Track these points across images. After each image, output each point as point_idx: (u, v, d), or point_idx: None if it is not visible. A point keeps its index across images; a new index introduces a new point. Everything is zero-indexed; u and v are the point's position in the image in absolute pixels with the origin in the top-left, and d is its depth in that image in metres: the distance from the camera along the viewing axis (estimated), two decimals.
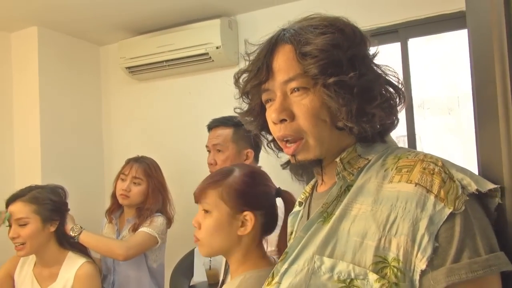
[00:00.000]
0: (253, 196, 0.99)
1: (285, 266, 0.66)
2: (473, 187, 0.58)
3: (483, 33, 0.63)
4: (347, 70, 0.64)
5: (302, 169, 0.73)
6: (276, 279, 0.67)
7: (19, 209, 1.48)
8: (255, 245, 1.00)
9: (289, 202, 1.04)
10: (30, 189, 1.55)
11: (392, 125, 0.72)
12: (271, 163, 0.98)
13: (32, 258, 1.58)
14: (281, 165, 0.81)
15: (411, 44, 2.06)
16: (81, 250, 1.58)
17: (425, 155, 0.64)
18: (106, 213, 1.94)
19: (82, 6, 2.18)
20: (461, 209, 0.56)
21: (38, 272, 1.55)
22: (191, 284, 2.06)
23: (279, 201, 1.05)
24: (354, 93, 0.64)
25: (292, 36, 0.68)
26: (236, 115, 0.84)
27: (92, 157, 2.74)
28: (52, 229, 1.53)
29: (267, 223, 1.01)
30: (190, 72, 2.49)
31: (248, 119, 0.81)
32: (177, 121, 2.60)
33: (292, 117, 0.68)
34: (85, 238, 1.57)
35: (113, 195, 1.91)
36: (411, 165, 0.62)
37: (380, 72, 0.69)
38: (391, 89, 0.69)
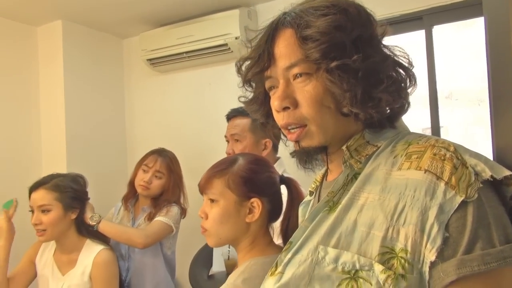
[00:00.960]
0: (259, 183, 0.98)
1: (289, 256, 0.65)
2: (487, 174, 0.54)
3: (500, 21, 0.60)
4: (351, 53, 0.61)
5: (306, 156, 0.70)
6: (279, 269, 0.65)
7: (42, 196, 1.52)
8: (263, 233, 1.00)
9: (293, 189, 1.03)
10: (52, 177, 1.58)
11: (402, 109, 0.68)
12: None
13: (52, 244, 1.63)
14: (290, 154, 0.80)
15: (438, 32, 1.98)
16: (99, 237, 1.61)
17: (437, 140, 0.60)
18: (123, 199, 1.98)
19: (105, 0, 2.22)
20: (473, 197, 0.53)
21: (58, 258, 1.59)
22: (210, 273, 2.08)
23: (283, 189, 1.05)
24: (358, 77, 0.61)
25: (292, 20, 0.65)
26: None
27: (115, 147, 2.80)
28: (73, 216, 1.57)
29: (273, 210, 1.01)
30: (210, 63, 2.49)
31: (253, 107, 0.79)
32: (197, 112, 2.61)
33: (295, 104, 0.66)
34: (104, 227, 1.61)
35: (131, 183, 1.94)
36: (421, 151, 0.59)
37: (389, 53, 0.66)
38: (401, 71, 0.66)
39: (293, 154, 0.78)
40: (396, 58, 0.66)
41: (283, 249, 0.68)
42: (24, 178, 1.59)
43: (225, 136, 1.72)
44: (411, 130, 0.70)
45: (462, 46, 2.20)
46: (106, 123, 2.75)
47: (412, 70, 0.66)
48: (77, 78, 2.54)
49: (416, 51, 2.09)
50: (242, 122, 1.65)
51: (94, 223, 1.59)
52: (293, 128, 0.67)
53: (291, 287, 0.61)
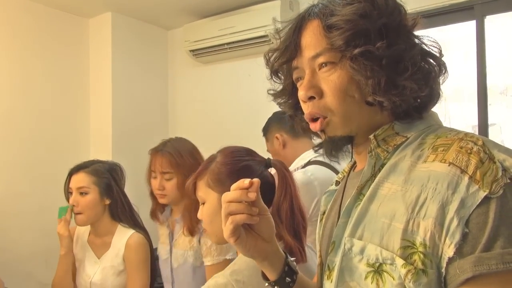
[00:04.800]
0: (235, 174, 0.96)
1: (337, 258, 0.64)
2: None
3: None
4: (376, 41, 0.60)
5: (333, 147, 0.69)
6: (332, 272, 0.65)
7: (81, 178, 1.59)
8: None
9: (280, 170, 1.01)
10: (92, 162, 1.66)
11: (431, 99, 0.66)
12: None
13: (85, 229, 1.70)
14: (313, 148, 0.79)
15: (490, 23, 1.86)
16: (131, 223, 1.67)
17: (466, 133, 0.57)
18: (150, 214, 1.68)
19: None
20: (498, 193, 0.50)
21: (92, 242, 1.67)
22: None
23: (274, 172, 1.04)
24: (382, 64, 0.60)
25: (319, 10, 0.65)
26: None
27: (158, 135, 2.88)
28: (108, 202, 1.63)
29: (262, 196, 1.00)
30: (250, 54, 2.51)
31: (281, 99, 0.79)
32: (237, 103, 2.65)
33: (321, 94, 0.65)
34: None
35: (151, 194, 1.64)
36: (448, 143, 0.57)
37: (418, 42, 0.63)
38: (431, 61, 0.63)
39: (316, 148, 0.78)
40: (426, 48, 0.63)
41: (329, 250, 0.67)
42: (74, 163, 1.67)
43: None
44: (458, 127, 0.67)
45: None
46: (150, 111, 2.86)
47: (442, 59, 0.64)
48: (124, 67, 2.66)
49: (466, 43, 1.98)
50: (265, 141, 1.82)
51: None
52: (316, 118, 0.67)
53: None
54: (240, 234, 0.67)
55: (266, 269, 0.74)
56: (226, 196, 0.67)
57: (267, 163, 1.03)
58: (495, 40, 1.87)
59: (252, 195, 0.65)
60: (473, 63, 1.89)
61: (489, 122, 1.92)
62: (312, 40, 0.65)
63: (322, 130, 0.67)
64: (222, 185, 0.97)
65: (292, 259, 0.77)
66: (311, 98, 0.66)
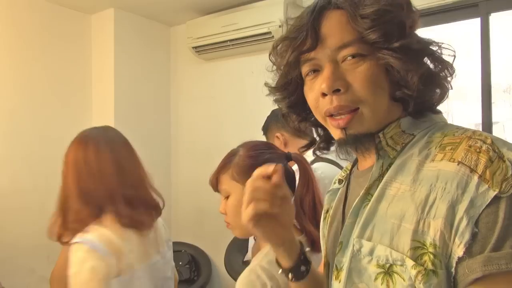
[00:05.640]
0: (260, 166, 0.97)
1: (346, 258, 0.63)
2: None
3: None
4: (409, 35, 0.60)
5: (355, 145, 0.64)
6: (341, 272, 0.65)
7: None
8: None
9: (301, 163, 1.04)
10: None
11: (442, 97, 0.65)
12: None
13: None
14: (300, 148, 0.78)
15: (495, 20, 1.85)
16: None
17: (474, 132, 0.57)
18: None
19: None
20: (508, 192, 0.49)
21: None
22: (245, 259, 2.11)
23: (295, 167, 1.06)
24: (419, 59, 0.60)
25: (345, 1, 0.63)
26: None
27: (160, 131, 2.91)
28: None
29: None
30: (253, 51, 2.50)
31: (280, 95, 0.74)
32: (239, 100, 2.64)
33: (347, 87, 0.61)
34: None
35: None
36: (456, 142, 0.56)
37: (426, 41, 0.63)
38: (441, 60, 0.63)
39: (303, 149, 0.77)
40: (433, 47, 0.63)
41: (337, 250, 0.66)
42: None
43: None
44: (461, 125, 0.66)
45: None
46: (152, 108, 2.86)
47: (453, 59, 0.63)
48: (126, 64, 2.66)
49: (469, 41, 1.97)
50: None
51: None
52: (342, 114, 0.63)
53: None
54: (259, 219, 0.66)
55: (281, 255, 0.73)
56: (251, 183, 0.66)
57: (288, 156, 1.05)
58: (500, 38, 1.86)
59: (276, 178, 0.65)
60: (477, 61, 1.89)
61: (493, 120, 1.91)
62: (336, 29, 0.62)
63: (344, 128, 0.63)
64: (248, 177, 0.97)
65: (307, 249, 0.76)
66: (335, 91, 0.62)
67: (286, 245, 0.72)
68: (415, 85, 0.59)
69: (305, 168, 1.04)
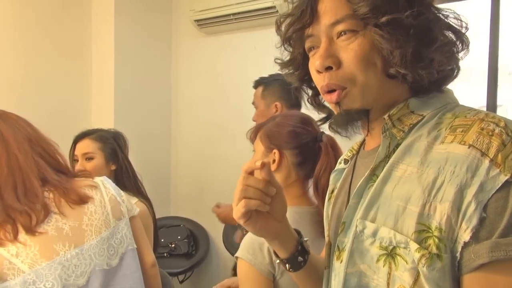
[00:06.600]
0: (279, 136, 1.06)
1: (348, 239, 0.63)
2: None
3: None
4: (403, 9, 0.57)
5: (347, 121, 0.65)
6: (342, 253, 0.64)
7: (87, 145, 1.63)
8: (290, 183, 1.06)
9: (326, 146, 1.06)
10: (96, 130, 1.70)
11: (452, 74, 0.63)
12: None
13: None
14: (318, 121, 0.77)
15: (506, 1, 1.80)
16: (135, 190, 1.68)
17: (487, 114, 0.55)
18: None
19: None
20: None
21: None
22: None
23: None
24: (410, 34, 0.57)
25: None
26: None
27: (160, 105, 2.88)
28: (113, 167, 1.66)
29: (303, 163, 1.06)
30: (256, 26, 2.45)
31: (289, 70, 0.75)
32: (241, 75, 2.60)
33: (339, 64, 0.61)
34: None
35: None
36: (467, 124, 0.55)
37: (439, 14, 0.60)
38: (451, 35, 0.61)
39: (322, 122, 0.76)
40: (447, 20, 0.60)
41: (339, 231, 0.65)
42: (75, 131, 1.69)
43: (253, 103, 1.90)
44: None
45: None
46: (153, 81, 2.81)
47: (465, 33, 0.61)
48: (127, 35, 2.60)
49: (478, 21, 1.92)
50: (257, 92, 1.85)
51: None
52: (332, 90, 0.63)
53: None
54: (251, 215, 0.65)
55: (276, 248, 0.73)
56: (241, 180, 0.64)
57: (318, 137, 1.08)
58: (506, 18, 1.81)
59: (264, 175, 0.63)
60: (485, 43, 1.85)
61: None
62: (331, 5, 0.61)
63: (337, 103, 0.64)
64: (266, 141, 1.07)
65: (305, 239, 0.76)
66: (328, 68, 0.62)
67: (280, 237, 0.71)
68: (402, 63, 0.57)
69: (327, 152, 1.06)
